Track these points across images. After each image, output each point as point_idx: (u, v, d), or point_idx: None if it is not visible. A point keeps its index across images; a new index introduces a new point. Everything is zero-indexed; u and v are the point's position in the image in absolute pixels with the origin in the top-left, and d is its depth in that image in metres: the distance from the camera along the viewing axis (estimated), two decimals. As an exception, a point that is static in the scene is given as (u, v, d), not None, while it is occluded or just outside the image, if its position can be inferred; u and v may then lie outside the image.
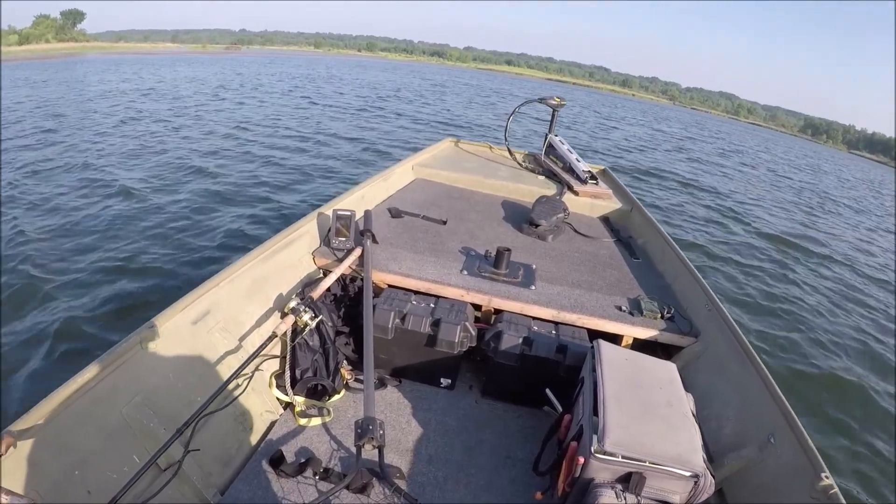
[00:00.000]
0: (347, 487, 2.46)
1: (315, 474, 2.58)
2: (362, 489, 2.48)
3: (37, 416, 1.95)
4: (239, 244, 7.56)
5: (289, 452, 2.72)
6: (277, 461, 2.62)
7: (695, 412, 2.28)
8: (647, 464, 1.97)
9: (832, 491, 1.99)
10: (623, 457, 1.98)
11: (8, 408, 4.16)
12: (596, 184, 5.52)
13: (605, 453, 2.00)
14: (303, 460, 2.65)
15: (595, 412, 2.18)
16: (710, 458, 2.14)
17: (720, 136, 45.31)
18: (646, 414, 2.14)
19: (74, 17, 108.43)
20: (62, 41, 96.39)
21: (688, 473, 1.96)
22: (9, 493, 1.55)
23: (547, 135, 6.39)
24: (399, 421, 3.01)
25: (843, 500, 1.96)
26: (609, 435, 2.00)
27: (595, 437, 2.04)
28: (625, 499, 1.98)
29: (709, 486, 1.98)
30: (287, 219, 8.30)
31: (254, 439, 2.82)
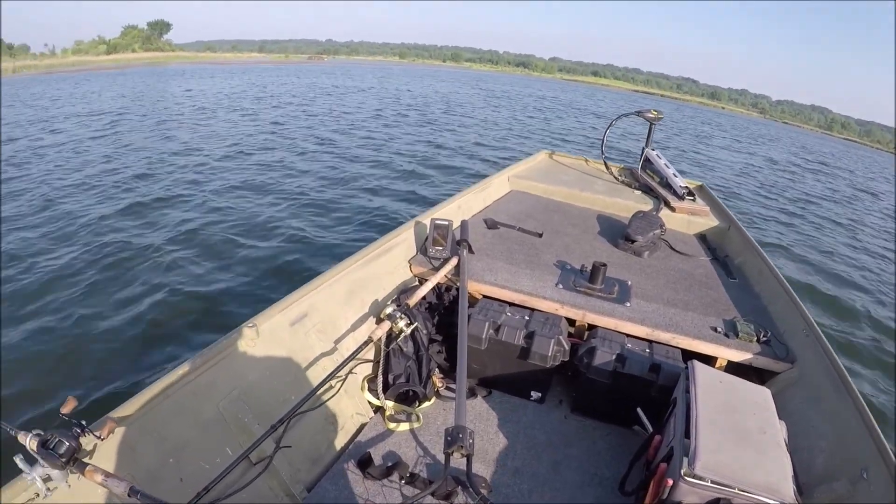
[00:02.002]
0: (433, 494, 2.49)
1: (401, 479, 2.63)
2: (447, 497, 2.51)
3: (137, 404, 2.05)
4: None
5: (376, 455, 2.77)
6: (365, 463, 2.67)
7: (787, 441, 2.24)
8: (736, 490, 1.94)
9: None
10: (713, 482, 1.96)
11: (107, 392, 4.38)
12: (693, 200, 5.44)
13: (694, 477, 1.98)
14: (390, 464, 2.70)
15: (687, 434, 2.16)
16: (800, 490, 2.08)
17: (840, 165, 36.51)
18: (738, 439, 2.11)
19: (161, 27, 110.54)
20: (148, 51, 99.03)
21: (777, 503, 1.93)
22: (107, 474, 1.62)
23: (644, 149, 6.31)
24: (487, 431, 3.03)
25: None
26: (700, 458, 1.98)
27: (686, 460, 2.03)
28: (712, 524, 1.96)
29: None
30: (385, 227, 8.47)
31: (343, 440, 2.88)
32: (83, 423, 1.67)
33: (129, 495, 1.55)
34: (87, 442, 1.70)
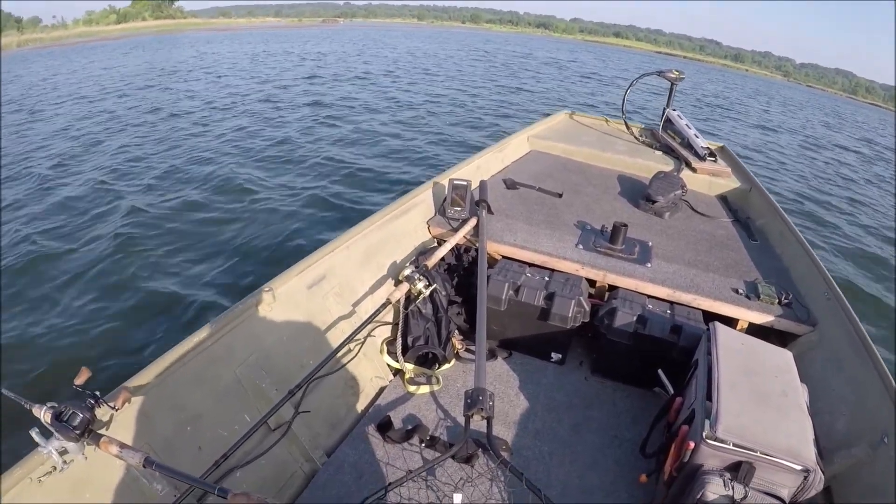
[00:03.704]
0: (453, 457, 2.49)
1: (421, 441, 2.63)
2: (468, 459, 2.52)
3: (153, 372, 2.04)
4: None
5: (396, 419, 2.77)
6: (385, 427, 2.68)
7: (808, 404, 2.22)
8: (758, 454, 1.92)
9: None
10: (734, 444, 1.94)
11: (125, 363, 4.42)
12: (714, 161, 5.37)
13: (716, 439, 1.96)
14: (410, 427, 2.71)
15: (708, 397, 2.14)
16: (821, 454, 2.07)
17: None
18: (760, 402, 2.09)
19: None
20: (158, 18, 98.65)
21: (799, 467, 1.90)
22: (122, 445, 1.61)
23: (665, 109, 6.23)
24: (507, 393, 3.03)
25: None
26: (722, 421, 1.96)
27: (707, 423, 2.01)
28: (732, 488, 1.94)
29: (818, 482, 1.92)
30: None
31: (362, 404, 2.88)
32: (97, 393, 1.65)
33: (144, 466, 1.55)
34: (102, 413, 1.69)
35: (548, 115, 7.22)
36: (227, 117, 14.29)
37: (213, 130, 12.71)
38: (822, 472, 1.94)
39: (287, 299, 2.68)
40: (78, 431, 1.55)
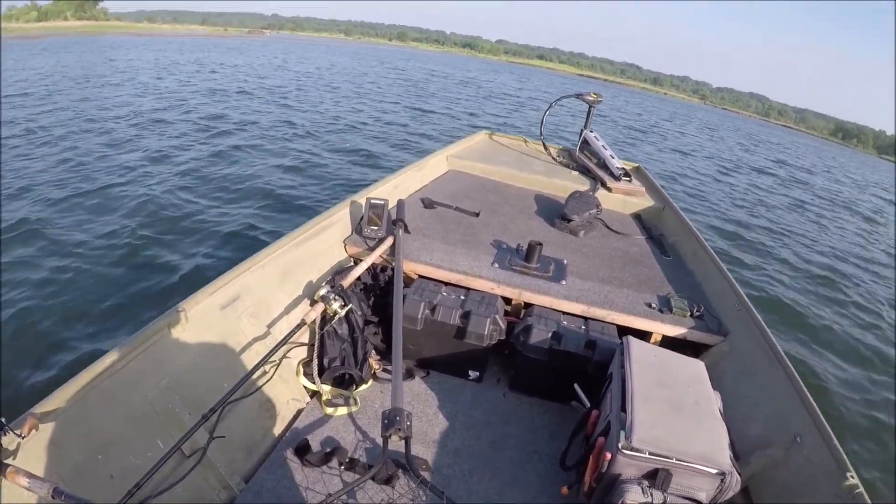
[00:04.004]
0: (373, 478, 2.46)
1: (340, 464, 2.59)
2: (388, 480, 2.49)
3: (61, 398, 1.96)
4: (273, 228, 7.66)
5: (314, 441, 2.72)
6: (303, 450, 2.63)
7: (722, 411, 2.27)
8: (673, 461, 1.97)
9: (857, 490, 1.97)
10: (650, 453, 1.98)
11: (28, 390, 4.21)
12: (629, 181, 5.48)
13: (632, 449, 1.99)
14: (328, 450, 2.66)
15: (623, 408, 2.18)
16: (737, 457, 2.14)
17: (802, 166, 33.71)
18: (674, 411, 2.14)
19: None
20: (81, 19, 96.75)
21: (714, 471, 1.96)
22: (30, 475, 1.55)
23: (582, 130, 6.34)
24: (426, 412, 3.01)
25: (869, 500, 1.94)
26: (637, 431, 2.01)
27: (623, 434, 2.04)
28: (651, 495, 1.98)
29: (735, 484, 1.98)
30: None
31: (279, 427, 2.83)
32: (2, 420, 1.59)
33: (53, 497, 1.48)
34: (8, 441, 1.63)
35: (467, 134, 7.28)
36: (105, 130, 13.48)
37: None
38: (739, 474, 2.01)
39: (200, 320, 2.61)
40: None
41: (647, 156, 20.52)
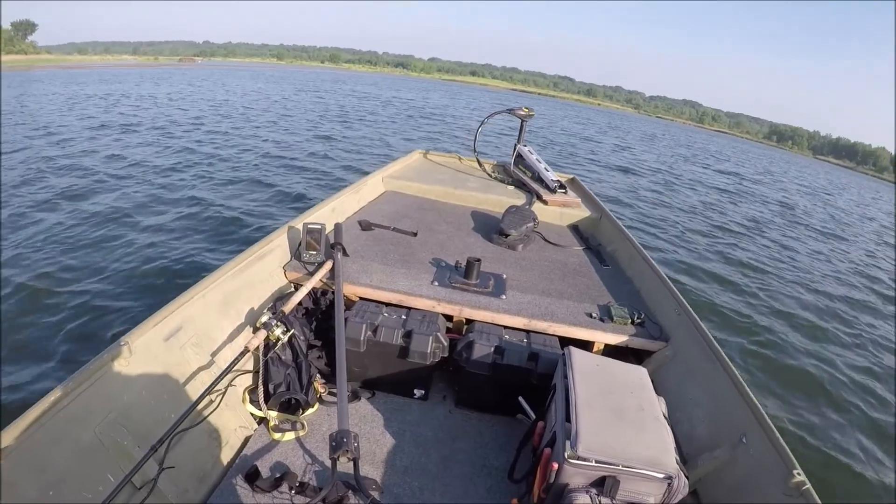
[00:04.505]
0: (323, 501, 2.45)
1: (291, 489, 2.58)
2: (338, 502, 2.48)
3: (9, 436, 1.93)
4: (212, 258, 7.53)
5: (264, 467, 2.71)
6: (253, 476, 2.61)
7: (667, 415, 2.31)
8: (620, 467, 1.99)
9: (805, 487, 2.02)
10: (596, 461, 2.00)
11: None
12: (565, 193, 5.56)
13: (578, 458, 2.01)
14: (278, 475, 2.65)
15: (567, 418, 2.20)
16: (684, 460, 2.17)
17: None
18: (618, 418, 2.16)
19: (25, 28, 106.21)
20: (10, 53, 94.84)
21: (661, 475, 1.98)
22: None
23: (516, 145, 6.41)
24: (373, 433, 3.01)
25: (816, 497, 1.99)
26: (582, 440, 2.02)
27: (568, 443, 2.06)
28: (600, 502, 2.00)
29: (682, 487, 2.00)
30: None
31: (228, 455, 2.80)
32: None
33: None
34: None
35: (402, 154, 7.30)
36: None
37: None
38: (687, 477, 2.03)
39: (144, 352, 2.58)
40: None
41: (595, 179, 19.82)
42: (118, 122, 20.56)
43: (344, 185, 5.59)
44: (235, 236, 8.42)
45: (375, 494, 2.55)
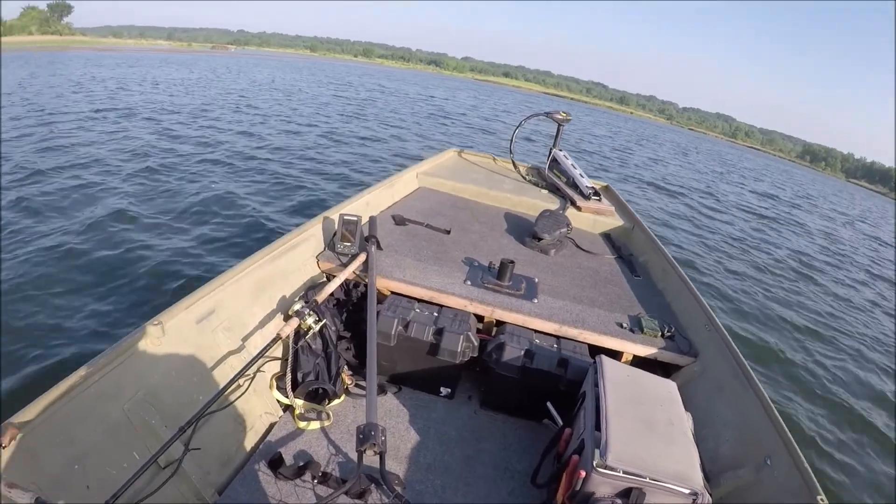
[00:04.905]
0: (347, 493, 2.46)
1: (314, 478, 2.59)
2: (361, 495, 2.49)
3: (39, 408, 1.95)
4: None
5: (288, 455, 2.72)
6: (276, 463, 2.63)
7: (693, 431, 2.29)
8: (647, 479, 1.98)
9: None
10: (624, 472, 1.99)
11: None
12: (599, 200, 5.54)
13: (606, 467, 2.00)
14: (301, 463, 2.66)
15: (597, 427, 2.19)
16: (707, 478, 2.14)
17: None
18: (647, 430, 2.15)
19: (61, 9, 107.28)
20: (45, 34, 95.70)
21: (687, 491, 1.97)
22: (12, 485, 1.54)
23: (551, 149, 6.39)
24: (398, 428, 3.01)
25: None
26: (611, 449, 2.02)
27: (597, 452, 2.05)
28: (624, 514, 1.99)
29: None
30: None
31: (253, 440, 2.82)
32: None
33: None
34: None
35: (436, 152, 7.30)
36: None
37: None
38: (710, 495, 2.01)
39: (175, 334, 2.60)
40: None
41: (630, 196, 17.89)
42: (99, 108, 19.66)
43: (367, 183, 5.55)
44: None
45: (399, 489, 2.56)
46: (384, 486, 2.41)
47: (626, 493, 2.02)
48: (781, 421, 2.43)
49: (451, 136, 24.41)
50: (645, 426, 2.17)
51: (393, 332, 3.11)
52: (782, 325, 8.88)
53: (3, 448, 1.67)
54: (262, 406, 2.95)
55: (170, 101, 23.68)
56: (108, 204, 8.80)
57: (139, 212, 8.56)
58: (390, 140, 20.10)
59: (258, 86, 37.02)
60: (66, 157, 11.43)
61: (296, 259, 3.51)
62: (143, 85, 29.33)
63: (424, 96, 49.07)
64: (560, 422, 2.79)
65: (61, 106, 19.04)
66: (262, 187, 11.01)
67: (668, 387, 2.48)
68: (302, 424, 2.92)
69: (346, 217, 3.62)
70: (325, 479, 2.60)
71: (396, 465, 2.75)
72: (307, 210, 9.56)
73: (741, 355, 2.94)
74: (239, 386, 2.70)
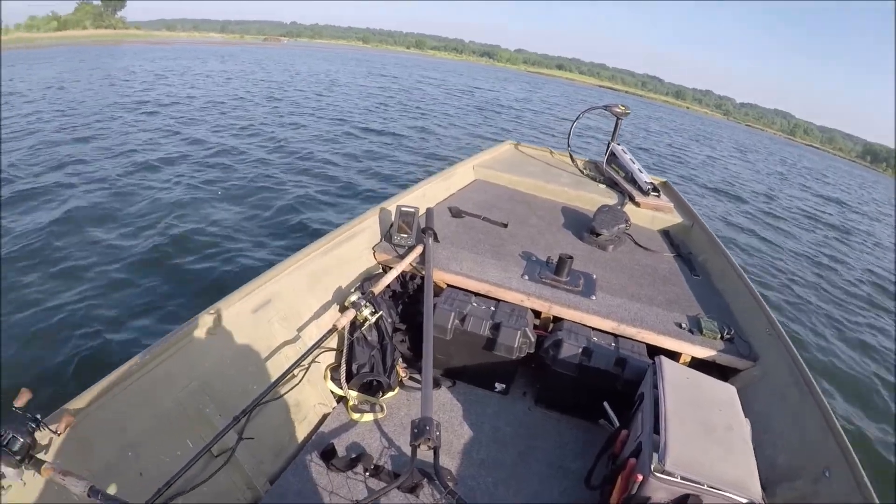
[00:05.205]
0: (398, 487, 2.46)
1: (366, 470, 2.59)
2: (412, 489, 2.49)
3: (94, 394, 1.98)
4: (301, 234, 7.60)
5: (340, 446, 2.73)
6: (328, 454, 2.64)
7: (751, 438, 2.24)
8: (705, 486, 1.93)
9: None
10: (682, 477, 1.94)
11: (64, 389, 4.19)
12: (658, 196, 5.45)
13: (664, 472, 1.96)
14: (354, 455, 2.67)
15: (656, 430, 2.15)
16: (763, 487, 2.09)
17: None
18: (706, 436, 2.10)
19: (115, 4, 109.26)
20: (99, 28, 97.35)
21: (744, 500, 1.92)
22: (66, 473, 1.56)
23: (609, 143, 6.31)
24: (452, 423, 3.01)
25: None
26: (670, 454, 1.97)
27: (655, 456, 2.01)
28: (680, 521, 1.95)
29: None
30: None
31: (306, 431, 2.84)
32: (38, 417, 1.60)
33: (88, 495, 1.50)
34: (42, 437, 1.64)
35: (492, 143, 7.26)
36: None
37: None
38: None
39: (231, 323, 2.62)
40: (18, 457, 1.51)
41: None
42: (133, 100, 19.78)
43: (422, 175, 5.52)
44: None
45: (451, 485, 2.54)
46: (437, 482, 2.40)
47: (682, 500, 1.97)
48: (842, 433, 2.34)
49: (501, 130, 23.81)
50: (704, 431, 2.12)
51: (449, 326, 3.11)
52: (849, 338, 8.56)
53: (59, 435, 1.69)
54: (315, 397, 2.96)
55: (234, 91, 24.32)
56: (169, 193, 9.05)
57: (198, 199, 8.74)
58: (438, 133, 20.02)
59: (311, 78, 37.14)
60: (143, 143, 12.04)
61: (352, 250, 3.52)
62: (210, 77, 30.24)
63: (478, 88, 48.38)
64: (616, 423, 2.75)
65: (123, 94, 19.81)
66: (316, 181, 11.10)
67: (728, 391, 2.43)
68: (355, 416, 2.93)
69: (403, 208, 3.61)
70: (377, 472, 2.60)
71: (449, 461, 2.75)
72: (361, 201, 9.58)
73: (802, 362, 2.85)
74: (293, 376, 2.72)
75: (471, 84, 53.30)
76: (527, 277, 3.50)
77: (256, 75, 34.86)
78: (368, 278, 3.41)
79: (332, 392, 3.05)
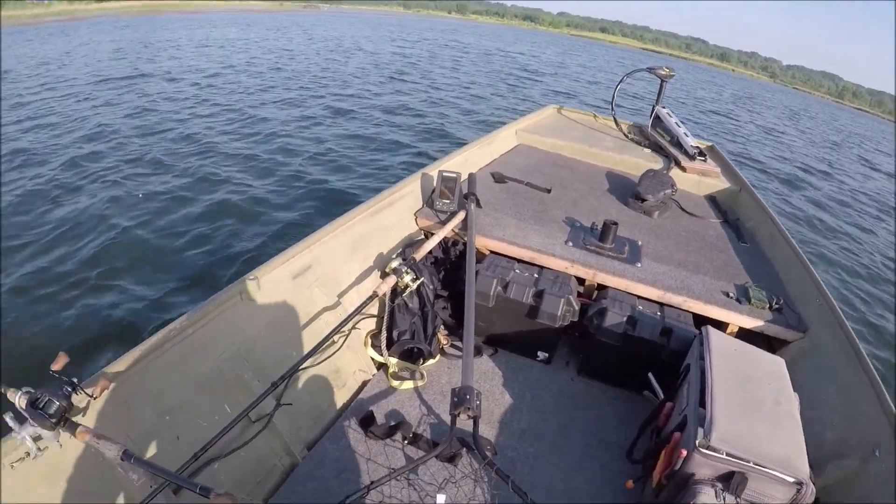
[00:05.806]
0: (437, 456, 2.45)
1: (404, 438, 2.59)
2: (451, 458, 2.48)
3: (131, 359, 1.99)
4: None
5: (379, 414, 2.72)
6: (367, 421, 2.64)
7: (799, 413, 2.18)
8: (751, 464, 1.88)
9: None
10: (728, 454, 1.89)
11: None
12: (704, 160, 5.33)
13: (710, 448, 1.91)
14: (393, 423, 2.67)
15: (702, 403, 2.10)
16: (811, 465, 2.03)
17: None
18: (754, 411, 2.04)
19: None
20: None
21: (792, 479, 1.85)
22: (100, 436, 1.56)
23: (654, 106, 6.19)
24: (492, 392, 2.98)
25: None
26: (716, 429, 1.92)
27: (701, 431, 1.96)
28: (724, 499, 1.90)
29: (810, 494, 1.88)
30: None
31: (345, 397, 2.84)
32: (74, 380, 1.61)
33: (122, 459, 1.50)
34: (78, 400, 1.64)
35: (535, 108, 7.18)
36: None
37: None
38: (813, 485, 1.89)
39: (271, 289, 2.62)
40: (54, 420, 1.52)
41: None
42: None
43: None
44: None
45: (490, 455, 2.52)
46: (476, 452, 2.38)
47: (727, 477, 1.92)
48: (894, 408, 2.25)
49: (545, 94, 23.19)
50: (752, 405, 2.06)
51: (492, 293, 3.07)
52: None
53: (95, 399, 1.69)
54: (355, 363, 2.96)
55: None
56: (214, 161, 9.21)
57: (239, 168, 8.87)
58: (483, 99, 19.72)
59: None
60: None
61: (393, 216, 3.49)
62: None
63: (523, 54, 46.73)
64: (661, 395, 2.70)
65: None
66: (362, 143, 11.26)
67: (777, 363, 2.36)
68: (395, 384, 2.93)
69: (445, 174, 3.58)
70: (415, 440, 2.59)
71: (489, 429, 2.73)
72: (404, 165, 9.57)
73: (853, 334, 2.75)
74: (333, 342, 2.70)
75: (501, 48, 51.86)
76: (571, 244, 3.45)
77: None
78: (410, 244, 3.39)
79: (373, 359, 3.05)
